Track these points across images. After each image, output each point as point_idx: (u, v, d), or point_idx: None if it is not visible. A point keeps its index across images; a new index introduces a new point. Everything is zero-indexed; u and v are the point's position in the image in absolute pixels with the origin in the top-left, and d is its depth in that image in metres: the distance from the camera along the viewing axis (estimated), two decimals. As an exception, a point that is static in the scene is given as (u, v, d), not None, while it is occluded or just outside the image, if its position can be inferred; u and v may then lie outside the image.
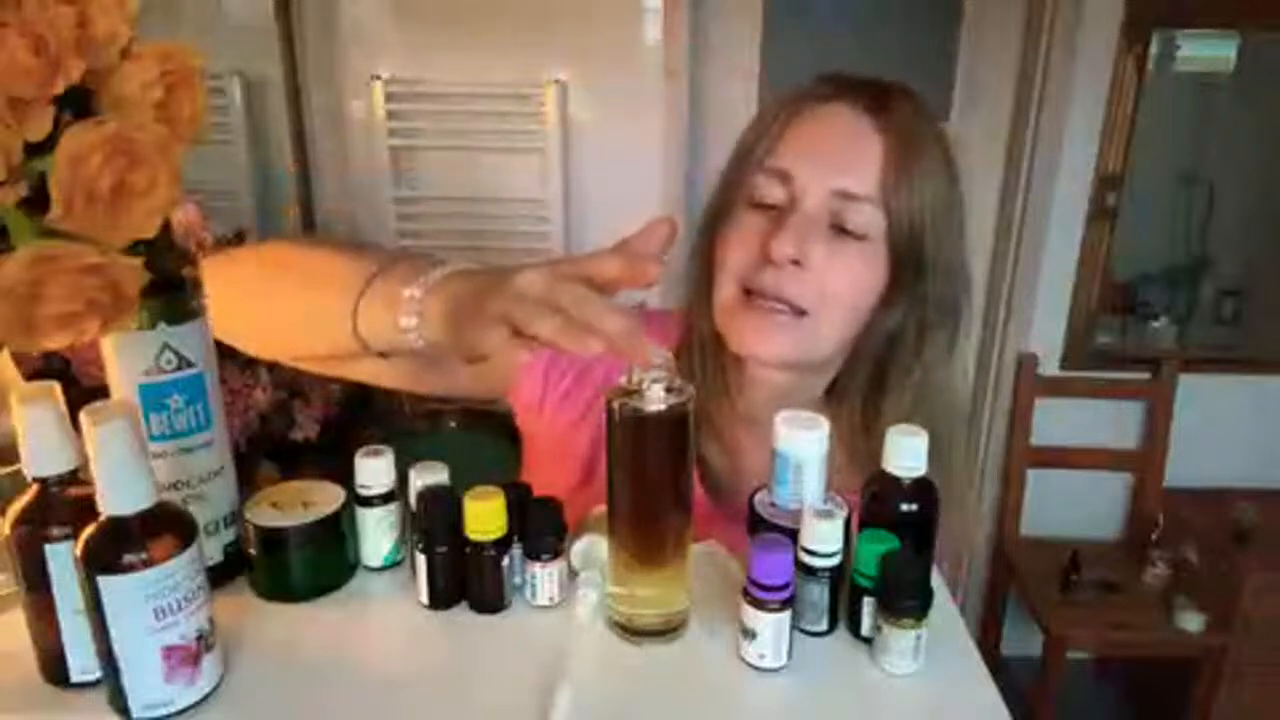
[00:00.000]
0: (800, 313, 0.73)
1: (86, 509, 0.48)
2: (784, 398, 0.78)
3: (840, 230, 0.72)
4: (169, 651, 0.50)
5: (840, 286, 0.73)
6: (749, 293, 0.74)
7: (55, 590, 0.51)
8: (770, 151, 0.74)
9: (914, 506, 0.58)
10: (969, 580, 2.40)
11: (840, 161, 0.72)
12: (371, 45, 2.02)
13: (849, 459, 0.78)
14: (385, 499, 0.64)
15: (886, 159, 0.71)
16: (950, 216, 0.75)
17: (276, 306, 0.74)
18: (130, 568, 0.47)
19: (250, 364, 1.11)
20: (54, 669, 0.53)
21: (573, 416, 0.84)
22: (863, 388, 0.79)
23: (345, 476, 0.64)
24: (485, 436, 1.50)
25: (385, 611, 0.62)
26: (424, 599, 0.61)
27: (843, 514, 0.57)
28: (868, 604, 0.57)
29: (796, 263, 0.71)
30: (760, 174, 0.74)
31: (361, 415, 1.97)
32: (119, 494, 0.48)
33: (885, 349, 0.77)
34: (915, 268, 0.74)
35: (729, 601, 0.59)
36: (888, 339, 0.77)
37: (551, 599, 0.61)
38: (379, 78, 2.00)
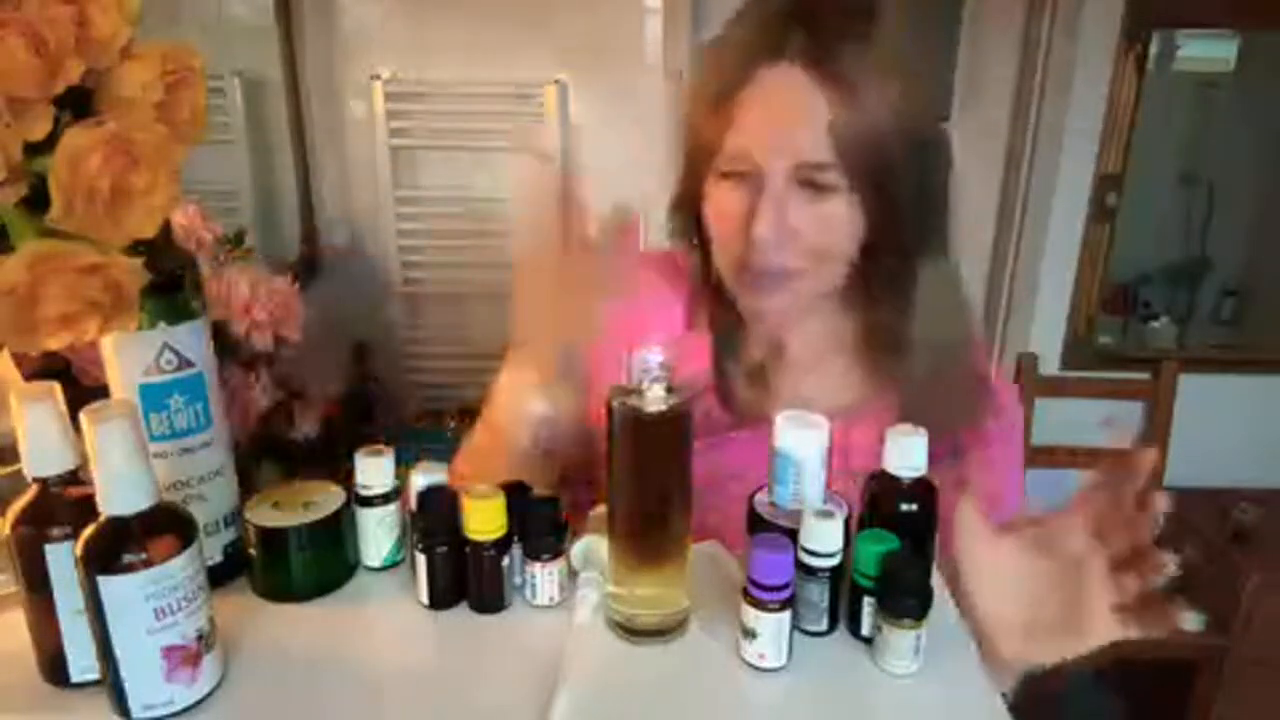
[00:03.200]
0: (794, 272, 0.75)
1: (86, 509, 0.48)
2: (800, 320, 0.82)
3: (811, 189, 0.72)
4: (169, 651, 0.50)
5: (826, 241, 0.74)
6: (743, 265, 0.76)
7: (55, 590, 0.51)
8: (727, 125, 0.73)
9: (914, 506, 0.58)
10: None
11: (793, 133, 0.71)
12: (371, 45, 2.02)
13: (870, 369, 0.82)
14: (385, 499, 0.64)
15: (835, 115, 0.70)
16: (918, 128, 0.74)
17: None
18: (130, 568, 0.47)
19: (250, 364, 1.11)
20: (54, 669, 0.53)
21: None
22: (869, 293, 0.80)
23: (345, 476, 0.65)
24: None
25: (385, 611, 0.62)
26: (424, 599, 0.61)
27: (843, 514, 0.57)
28: (868, 604, 0.57)
29: (778, 239, 0.73)
30: (721, 151, 0.74)
31: (361, 415, 1.97)
32: (119, 494, 0.48)
33: (884, 263, 0.77)
34: (892, 199, 0.73)
35: (729, 601, 0.59)
36: (882, 260, 0.77)
37: (551, 599, 0.61)
38: (379, 78, 2.00)
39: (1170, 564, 0.60)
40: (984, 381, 0.86)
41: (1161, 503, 0.61)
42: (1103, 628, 0.62)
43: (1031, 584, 0.64)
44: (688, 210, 0.83)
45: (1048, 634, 0.64)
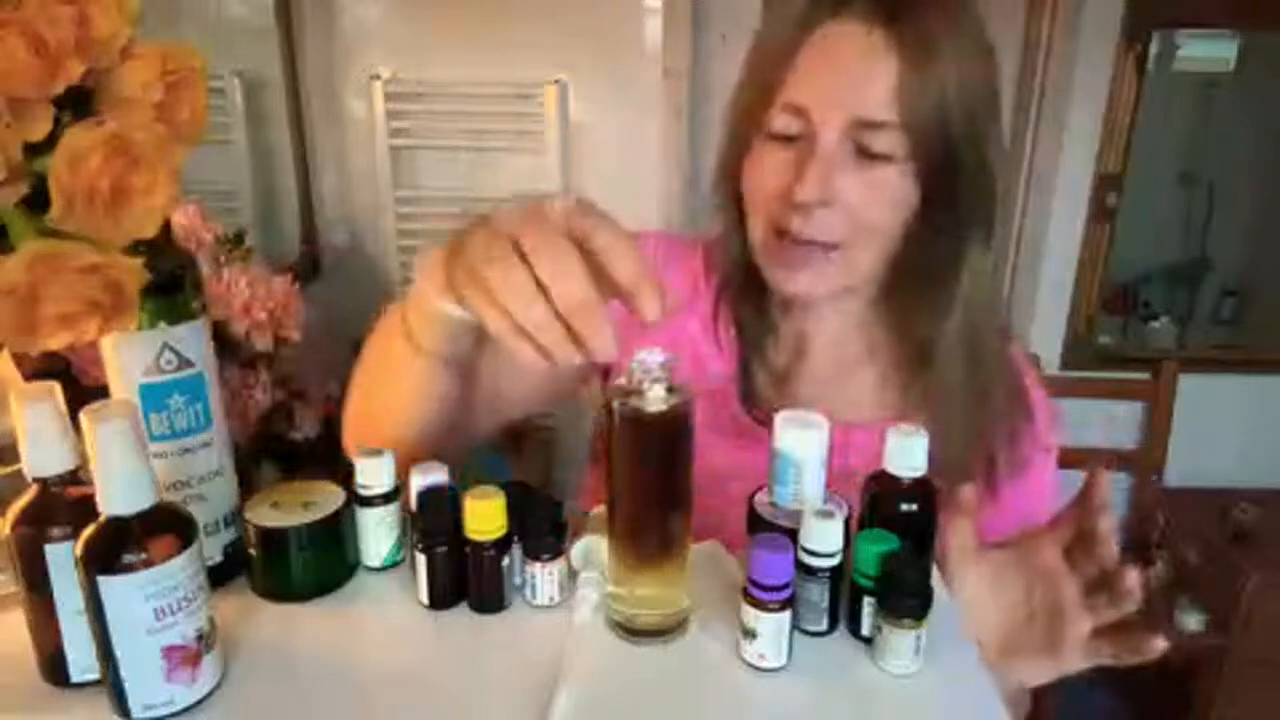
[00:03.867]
0: (833, 246, 0.71)
1: (86, 509, 0.48)
2: (832, 315, 0.80)
3: (865, 156, 0.69)
4: (169, 651, 0.50)
5: (871, 214, 0.71)
6: (780, 233, 0.72)
7: (55, 590, 0.51)
8: (781, 82, 0.70)
9: (914, 506, 0.58)
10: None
11: (856, 89, 0.68)
12: (371, 45, 2.02)
13: (892, 372, 0.79)
14: (385, 499, 0.64)
15: (902, 77, 0.67)
16: (982, 102, 0.71)
17: (370, 389, 0.72)
18: (130, 568, 0.47)
19: (250, 364, 1.11)
20: (54, 669, 0.53)
21: None
22: (904, 293, 0.78)
23: (345, 476, 0.65)
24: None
25: (385, 611, 0.62)
26: (424, 599, 0.61)
27: (843, 514, 0.57)
28: (868, 604, 0.57)
29: (824, 203, 0.69)
30: (773, 107, 0.71)
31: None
32: (119, 494, 0.48)
33: (923, 253, 0.75)
34: (945, 170, 0.70)
35: (729, 601, 0.59)
36: (925, 244, 0.74)
37: (551, 599, 0.61)
38: (379, 78, 2.00)
39: (1136, 592, 0.59)
40: (1022, 397, 0.81)
41: (1106, 524, 0.60)
42: (1077, 652, 0.62)
43: (1010, 605, 0.64)
44: (730, 178, 0.77)
45: (1025, 656, 0.64)
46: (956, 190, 0.71)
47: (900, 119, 0.67)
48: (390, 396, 0.67)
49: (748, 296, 0.81)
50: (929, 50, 0.67)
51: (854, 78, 0.68)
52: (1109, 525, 0.60)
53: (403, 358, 0.63)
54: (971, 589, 0.64)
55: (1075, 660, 0.62)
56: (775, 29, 0.72)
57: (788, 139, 0.71)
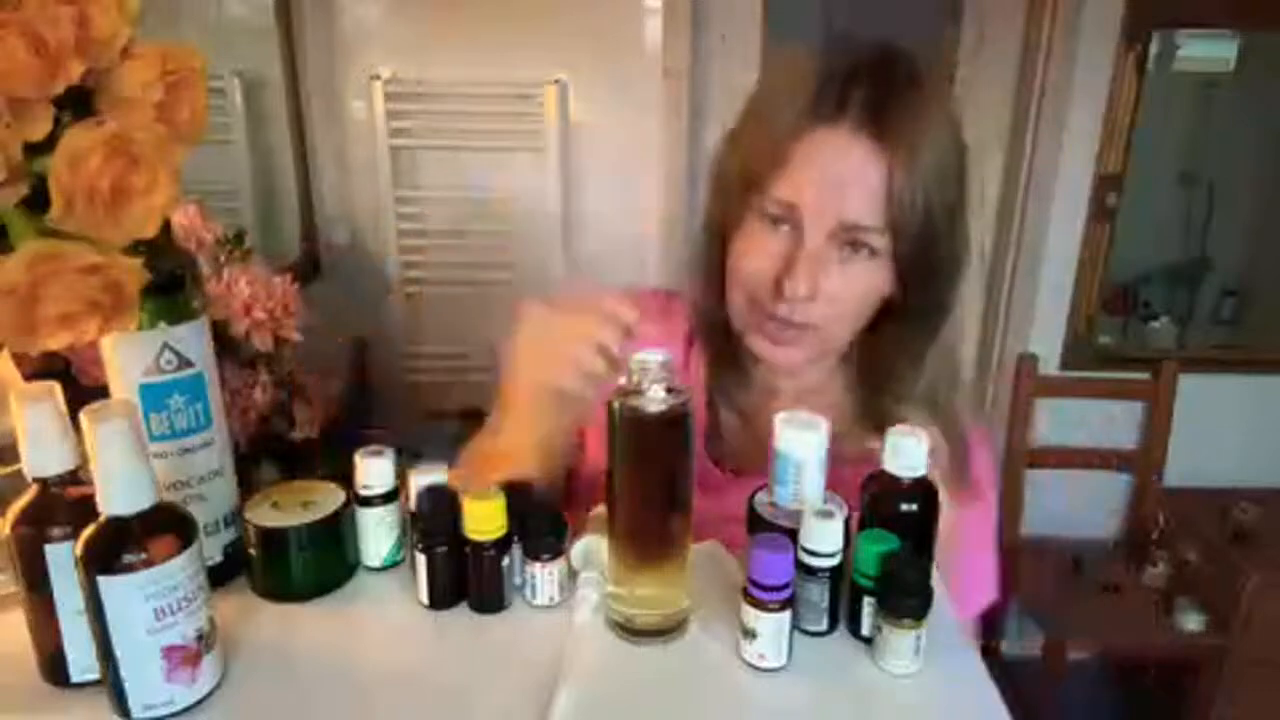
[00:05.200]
0: (812, 327, 0.76)
1: (86, 509, 0.48)
2: (801, 373, 0.84)
3: (849, 249, 0.74)
4: (169, 651, 0.50)
5: (850, 300, 0.76)
6: (761, 309, 0.77)
7: (55, 590, 0.51)
8: (775, 181, 0.73)
9: (914, 506, 0.58)
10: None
11: (844, 195, 0.72)
12: (371, 45, 2.02)
13: (861, 417, 0.82)
14: (385, 499, 0.64)
15: (889, 184, 0.71)
16: (956, 195, 0.75)
17: None
18: (130, 568, 0.47)
19: (250, 364, 1.10)
20: (54, 669, 0.53)
21: None
22: (871, 353, 0.83)
23: (345, 476, 0.64)
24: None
25: (385, 611, 0.62)
26: (424, 599, 0.61)
27: (843, 514, 0.57)
28: (868, 604, 0.57)
29: (809, 298, 0.73)
30: (765, 198, 0.74)
31: (361, 415, 1.97)
32: (119, 494, 0.48)
33: (892, 326, 0.80)
34: (921, 265, 0.75)
35: (729, 601, 0.59)
36: (895, 320, 0.79)
37: (551, 599, 0.61)
38: (379, 78, 2.00)
39: None
40: (965, 454, 0.83)
41: None
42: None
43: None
44: (715, 246, 0.81)
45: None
46: (929, 277, 0.76)
47: (885, 223, 0.72)
48: None
49: (721, 351, 0.85)
50: (914, 155, 0.71)
51: (843, 184, 0.72)
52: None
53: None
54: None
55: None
56: (767, 126, 0.75)
57: (776, 220, 0.75)
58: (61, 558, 0.50)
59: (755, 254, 0.76)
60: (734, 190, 0.78)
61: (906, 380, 0.80)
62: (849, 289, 0.75)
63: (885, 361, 0.82)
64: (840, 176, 0.72)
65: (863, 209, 0.71)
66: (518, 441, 0.71)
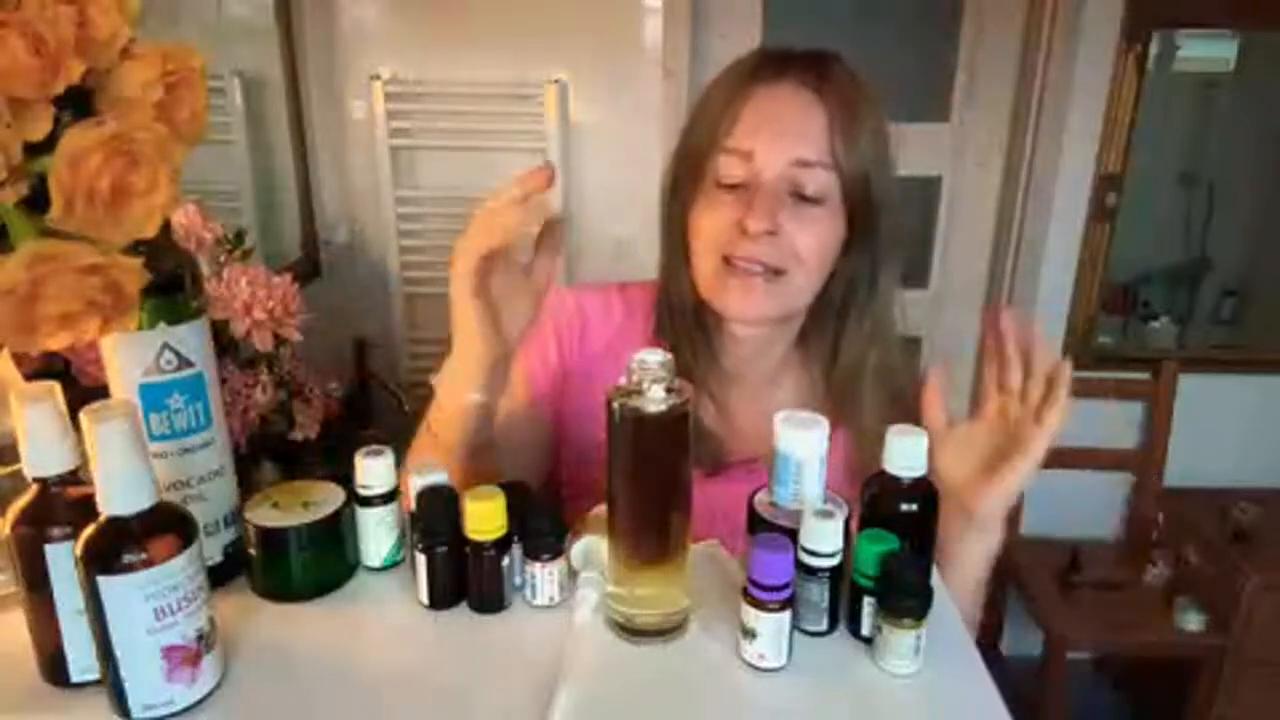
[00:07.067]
0: (777, 272, 0.81)
1: (86, 509, 0.48)
2: (764, 350, 0.89)
3: (800, 197, 0.80)
4: (169, 651, 0.50)
5: (809, 247, 0.81)
6: (728, 260, 0.81)
7: (55, 590, 0.51)
8: (729, 133, 0.81)
9: (914, 506, 0.58)
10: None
11: (793, 134, 0.79)
12: (371, 45, 2.02)
13: (817, 402, 0.89)
14: (385, 499, 0.64)
15: (832, 125, 0.79)
16: (888, 162, 0.84)
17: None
18: (130, 568, 0.47)
19: (250, 364, 1.11)
20: (54, 669, 0.53)
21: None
22: (827, 329, 0.89)
23: (345, 476, 0.64)
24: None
25: (385, 611, 0.62)
26: (424, 599, 0.61)
27: (843, 514, 0.57)
28: (868, 604, 0.57)
29: (770, 232, 0.79)
30: (722, 154, 0.81)
31: (361, 415, 1.97)
32: (119, 494, 0.48)
33: (846, 291, 0.87)
34: (866, 215, 0.82)
35: (729, 601, 0.59)
36: (848, 282, 0.86)
37: (551, 599, 0.61)
38: (379, 78, 2.00)
39: (1068, 372, 0.71)
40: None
41: (1026, 338, 0.74)
42: (1036, 438, 0.72)
43: (974, 447, 0.75)
44: (676, 223, 0.87)
45: (1000, 469, 0.73)
46: (873, 231, 0.83)
47: (831, 160, 0.79)
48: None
49: (689, 336, 0.88)
50: (851, 109, 0.80)
51: (791, 125, 0.80)
52: (1031, 336, 0.74)
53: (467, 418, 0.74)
54: (947, 458, 0.74)
55: (1038, 448, 0.72)
56: (719, 90, 0.84)
57: (732, 187, 0.81)
58: (61, 558, 0.50)
59: (715, 212, 0.82)
60: (694, 155, 0.84)
61: (855, 348, 0.87)
62: (805, 233, 0.80)
63: (834, 330, 0.88)
64: (787, 119, 0.80)
65: (809, 146, 0.79)
66: (463, 360, 0.70)
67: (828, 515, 0.56)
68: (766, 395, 0.91)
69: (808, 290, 0.84)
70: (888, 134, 0.84)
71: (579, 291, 0.96)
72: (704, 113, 0.85)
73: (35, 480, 0.50)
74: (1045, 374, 0.72)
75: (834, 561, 0.56)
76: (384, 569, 0.65)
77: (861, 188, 0.81)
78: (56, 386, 0.52)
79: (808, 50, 0.84)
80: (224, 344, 1.04)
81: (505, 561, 0.60)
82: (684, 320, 0.88)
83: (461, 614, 0.61)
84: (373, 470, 0.63)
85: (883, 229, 0.84)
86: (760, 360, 0.90)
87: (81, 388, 0.69)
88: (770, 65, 0.82)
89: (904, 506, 0.58)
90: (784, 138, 0.79)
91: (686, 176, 0.85)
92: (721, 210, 0.81)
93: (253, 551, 0.61)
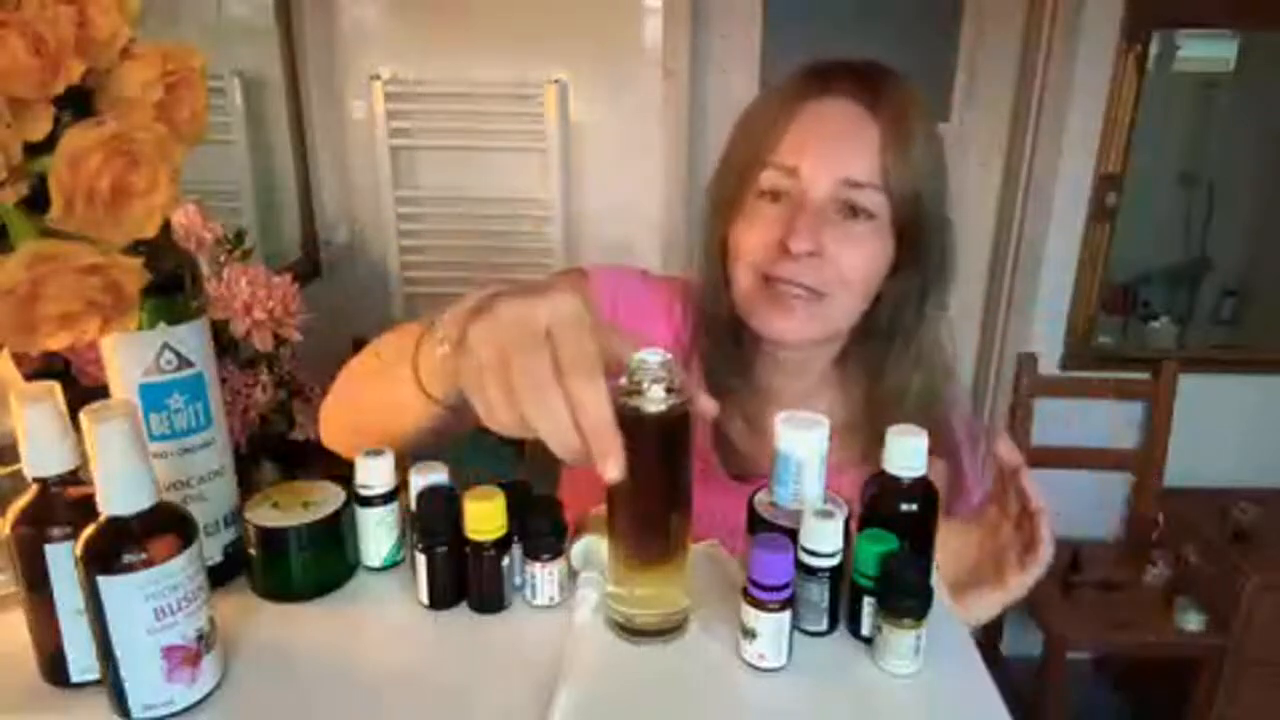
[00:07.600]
0: (819, 295, 0.78)
1: (86, 509, 0.48)
2: (801, 370, 0.86)
3: (847, 215, 0.77)
4: (169, 651, 0.50)
5: (854, 267, 0.77)
6: (768, 279, 0.78)
7: (55, 590, 0.51)
8: (775, 148, 0.77)
9: (914, 506, 0.58)
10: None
11: (843, 152, 0.76)
12: (371, 45, 2.02)
13: (855, 422, 0.85)
14: (385, 499, 0.64)
15: (884, 143, 0.76)
16: (941, 179, 0.81)
17: (361, 404, 0.72)
18: (130, 568, 0.47)
19: (250, 364, 1.11)
20: (54, 669, 0.53)
21: None
22: (870, 351, 0.85)
23: (345, 476, 0.64)
24: (486, 437, 1.49)
25: (385, 611, 0.62)
26: (424, 599, 0.61)
27: (843, 514, 0.57)
28: (868, 604, 0.57)
29: (813, 254, 0.76)
30: (768, 169, 0.78)
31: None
32: (119, 494, 0.48)
33: (893, 314, 0.83)
34: (916, 235, 0.79)
35: (729, 601, 0.59)
36: (895, 304, 0.82)
37: (551, 599, 0.61)
38: (379, 78, 2.01)
39: (1041, 503, 0.74)
40: (955, 456, 0.88)
41: (1008, 452, 0.73)
42: (1015, 573, 0.73)
43: (963, 551, 0.76)
44: (717, 236, 0.83)
45: (975, 589, 0.75)
46: (924, 252, 0.80)
47: (881, 181, 0.76)
48: (388, 422, 0.66)
49: (724, 350, 0.86)
50: (903, 126, 0.76)
51: (842, 143, 0.76)
52: (1022, 475, 0.73)
53: (408, 399, 0.63)
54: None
55: (1015, 584, 0.74)
56: (767, 104, 0.81)
57: (776, 196, 0.78)
58: (61, 558, 0.50)
59: (758, 228, 0.78)
60: (737, 169, 0.81)
61: (899, 372, 0.83)
62: (850, 251, 0.77)
63: (878, 353, 0.84)
64: (837, 135, 0.77)
65: (859, 165, 0.76)
66: (424, 380, 0.61)
67: (828, 515, 0.56)
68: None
69: (852, 313, 0.81)
70: (941, 150, 0.80)
71: (649, 286, 0.89)
72: (749, 127, 0.81)
73: (35, 480, 0.50)
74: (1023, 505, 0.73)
75: (834, 561, 0.56)
76: (384, 569, 0.65)
77: (912, 208, 0.77)
78: (56, 386, 0.51)
79: (860, 61, 0.80)
80: (224, 344, 1.05)
81: (505, 561, 0.60)
82: (720, 335, 0.85)
83: (461, 614, 0.61)
84: (373, 470, 0.63)
85: (933, 250, 0.80)
86: (796, 380, 0.87)
87: (81, 388, 0.69)
88: (820, 78, 0.78)
89: (904, 506, 0.58)
90: (832, 156, 0.76)
91: (728, 192, 0.82)
92: (763, 226, 0.78)
93: (253, 551, 0.61)
